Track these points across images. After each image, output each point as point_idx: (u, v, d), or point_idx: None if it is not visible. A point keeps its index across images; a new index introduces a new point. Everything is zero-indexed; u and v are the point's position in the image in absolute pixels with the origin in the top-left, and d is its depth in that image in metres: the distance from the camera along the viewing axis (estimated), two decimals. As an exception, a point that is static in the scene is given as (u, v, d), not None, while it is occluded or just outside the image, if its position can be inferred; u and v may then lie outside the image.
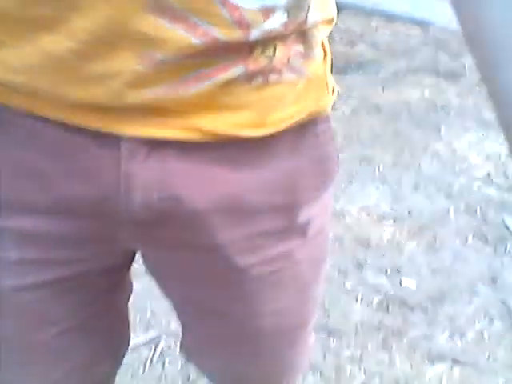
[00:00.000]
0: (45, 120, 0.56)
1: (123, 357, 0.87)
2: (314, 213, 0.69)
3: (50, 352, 0.73)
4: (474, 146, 2.94)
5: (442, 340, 1.76)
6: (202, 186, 0.60)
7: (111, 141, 0.56)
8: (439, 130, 3.07)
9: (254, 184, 0.62)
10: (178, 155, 0.58)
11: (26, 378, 0.75)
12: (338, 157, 0.72)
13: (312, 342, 0.86)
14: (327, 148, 0.69)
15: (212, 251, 0.64)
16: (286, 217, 0.66)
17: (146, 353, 1.68)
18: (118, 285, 0.78)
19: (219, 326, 0.74)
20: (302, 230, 0.68)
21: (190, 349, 0.84)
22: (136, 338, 1.73)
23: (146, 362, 1.65)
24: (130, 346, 1.65)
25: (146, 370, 1.62)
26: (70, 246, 0.64)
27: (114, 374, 0.93)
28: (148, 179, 0.58)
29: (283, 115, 0.61)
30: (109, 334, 0.80)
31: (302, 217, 0.67)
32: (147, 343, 1.71)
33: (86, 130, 0.56)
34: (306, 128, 0.65)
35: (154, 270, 0.74)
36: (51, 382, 0.76)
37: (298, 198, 0.66)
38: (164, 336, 1.73)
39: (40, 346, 0.71)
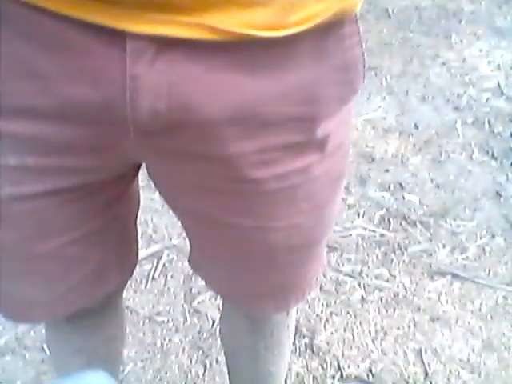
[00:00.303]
0: (43, 10, 0.51)
1: (132, 270, 0.86)
2: (333, 126, 0.64)
3: (55, 263, 0.72)
4: (485, 55, 2.83)
5: (442, 255, 1.77)
6: (214, 93, 0.55)
7: (116, 39, 0.51)
8: (450, 38, 2.95)
9: (271, 92, 0.57)
10: (188, 57, 0.53)
11: (31, 290, 0.75)
12: (364, 65, 0.65)
13: (324, 260, 0.84)
14: (353, 54, 0.62)
15: (223, 163, 0.60)
16: (303, 130, 0.61)
17: (148, 267, 1.69)
18: (123, 196, 0.76)
19: (228, 239, 0.71)
20: (320, 145, 0.64)
21: (198, 262, 0.83)
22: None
23: (148, 276, 1.67)
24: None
25: (149, 285, 1.64)
26: (71, 154, 0.61)
27: (122, 288, 0.94)
28: (156, 84, 0.53)
29: (304, 14, 0.54)
30: (116, 245, 0.79)
31: (321, 130, 0.62)
32: (149, 257, 1.72)
33: (88, 25, 0.51)
34: (330, 30, 0.58)
35: (161, 182, 0.71)
36: (57, 295, 0.76)
37: (317, 109, 0.61)
38: (166, 250, 1.74)
39: (43, 256, 0.70)
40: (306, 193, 0.67)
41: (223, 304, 1.01)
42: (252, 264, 0.74)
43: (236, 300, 0.84)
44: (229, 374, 1.11)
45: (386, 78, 2.72)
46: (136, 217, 0.84)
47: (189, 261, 0.86)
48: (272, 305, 0.81)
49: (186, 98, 0.55)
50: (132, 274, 0.87)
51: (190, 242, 0.82)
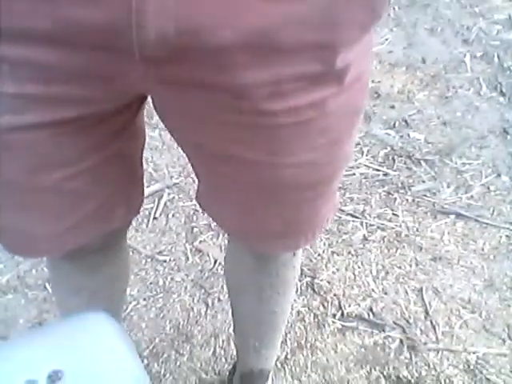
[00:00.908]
0: None
1: (139, 208, 0.85)
2: (353, 57, 0.60)
3: (59, 197, 0.70)
4: (499, -15, 2.72)
5: (446, 194, 1.74)
6: (227, 15, 0.51)
7: None
8: (462, -34, 2.82)
9: (289, 16, 0.52)
10: None
11: (36, 224, 0.73)
12: None
13: (337, 202, 0.82)
14: None
15: (235, 93, 0.57)
16: (321, 59, 0.57)
17: (149, 206, 1.68)
18: (127, 130, 0.73)
19: (237, 173, 0.68)
20: (338, 77, 0.60)
21: (207, 199, 0.81)
22: (139, 191, 1.73)
23: (149, 215, 1.65)
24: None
25: (150, 224, 1.63)
26: (73, 83, 0.57)
27: (126, 228, 0.93)
28: (163, 4, 0.49)
29: None
30: (123, 181, 0.78)
31: (340, 60, 0.58)
32: (150, 196, 1.71)
33: None
34: None
35: (168, 116, 0.68)
36: (63, 229, 0.74)
37: (337, 37, 0.56)
38: (167, 189, 1.72)
39: (47, 189, 0.68)
40: (321, 128, 0.63)
41: (229, 242, 1.00)
42: (262, 201, 0.71)
43: (245, 238, 0.82)
44: (232, 312, 1.11)
45: (393, 9, 2.62)
46: (142, 154, 0.82)
47: (196, 198, 0.83)
48: (281, 244, 0.79)
49: (196, 19, 0.50)
50: (138, 212, 0.85)
51: (199, 179, 0.79)
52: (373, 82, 2.18)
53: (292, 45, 0.54)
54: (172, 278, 1.49)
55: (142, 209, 1.59)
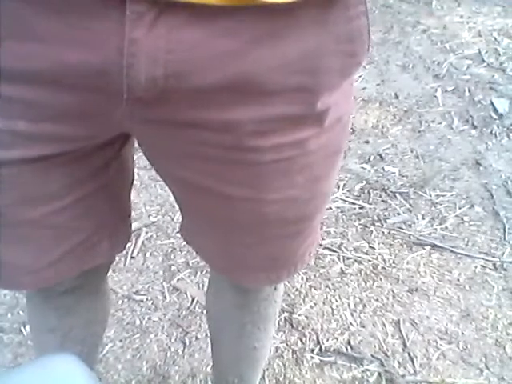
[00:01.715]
0: None
1: (124, 245, 0.85)
2: (333, 100, 0.62)
3: (43, 231, 0.72)
4: (466, 22, 2.80)
5: (421, 226, 1.77)
6: (213, 60, 0.54)
7: (116, 1, 0.50)
8: (430, 4, 2.91)
9: (272, 61, 0.55)
10: (188, 22, 0.52)
11: (20, 257, 0.74)
12: (370, 37, 0.63)
13: (319, 236, 0.84)
14: (358, 24, 0.61)
15: (219, 129, 0.59)
16: (303, 102, 0.60)
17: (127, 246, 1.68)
18: (111, 165, 0.74)
19: (222, 210, 0.70)
20: (319, 119, 0.62)
21: (190, 232, 0.82)
22: (116, 230, 1.73)
23: (126, 254, 1.65)
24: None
25: (127, 263, 1.63)
26: (62, 121, 0.60)
27: (109, 264, 0.93)
28: (154, 49, 0.52)
29: None
30: (107, 216, 0.78)
31: (321, 104, 0.61)
32: (127, 236, 1.71)
33: None
34: None
35: (152, 152, 0.69)
36: (46, 263, 0.75)
37: (318, 81, 0.59)
38: (145, 228, 1.72)
39: (31, 223, 0.70)
40: (302, 166, 0.66)
41: (210, 278, 1.00)
42: (245, 236, 0.73)
43: (227, 271, 0.82)
44: (212, 349, 1.11)
45: (366, 47, 2.69)
46: (129, 191, 0.84)
47: (180, 231, 0.85)
48: (263, 277, 0.80)
49: (184, 64, 0.53)
50: (124, 248, 0.85)
51: (182, 213, 0.81)
52: (347, 117, 2.22)
53: (274, 87, 0.57)
54: (149, 318, 1.48)
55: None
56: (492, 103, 2.28)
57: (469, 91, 2.37)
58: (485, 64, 2.52)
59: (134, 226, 1.73)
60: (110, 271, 1.59)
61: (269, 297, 0.93)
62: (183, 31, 0.52)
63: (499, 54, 2.59)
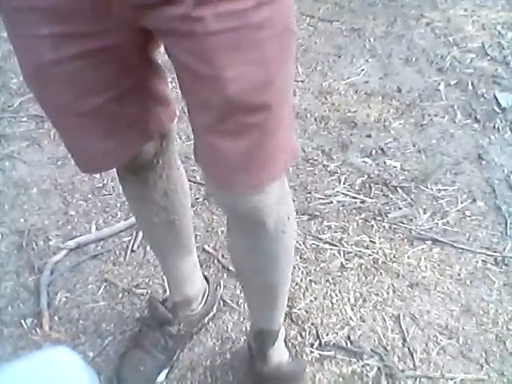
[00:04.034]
0: None
1: (172, 120, 1.04)
2: None
3: (102, 118, 0.87)
4: (470, 15, 2.78)
5: (423, 220, 1.76)
6: None
7: None
8: (434, -3, 2.89)
9: None
10: None
11: (92, 144, 0.91)
12: None
13: (294, 146, 0.89)
14: None
15: (170, 3, 0.70)
16: None
17: (126, 239, 1.68)
18: (147, 63, 0.92)
19: (197, 90, 0.77)
20: None
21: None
22: (116, 223, 1.73)
23: (127, 248, 1.65)
24: (110, 232, 1.64)
25: (127, 257, 1.63)
26: (89, 20, 0.75)
27: (169, 140, 1.08)
28: None
29: None
30: (152, 102, 0.95)
31: None
32: (128, 229, 1.71)
33: None
34: None
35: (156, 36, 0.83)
36: (114, 145, 0.92)
37: None
38: (145, 222, 1.72)
39: (90, 113, 0.86)
40: (250, 41, 0.72)
41: (227, 224, 1.07)
42: (218, 122, 0.78)
43: (213, 174, 0.86)
44: (240, 283, 1.26)
45: (369, 40, 2.68)
46: (165, 82, 0.99)
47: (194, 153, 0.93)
48: (245, 179, 0.83)
49: None
50: (172, 121, 1.04)
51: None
52: (349, 111, 2.22)
53: None
54: (147, 311, 1.48)
55: (119, 242, 1.59)
56: (495, 97, 2.27)
57: (472, 85, 2.35)
58: (488, 58, 2.50)
59: (134, 219, 1.72)
60: (110, 265, 1.60)
61: (276, 239, 0.98)
62: None
63: (503, 48, 2.57)
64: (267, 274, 1.07)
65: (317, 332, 1.44)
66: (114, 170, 1.10)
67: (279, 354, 1.29)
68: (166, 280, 1.56)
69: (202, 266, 1.51)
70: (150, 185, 1.12)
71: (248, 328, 1.44)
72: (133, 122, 0.92)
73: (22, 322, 1.45)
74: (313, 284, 1.57)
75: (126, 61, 0.84)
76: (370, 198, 1.84)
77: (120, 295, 1.53)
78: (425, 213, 1.79)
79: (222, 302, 1.51)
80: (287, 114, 0.84)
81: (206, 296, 1.40)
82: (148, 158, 1.05)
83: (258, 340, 1.26)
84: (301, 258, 1.63)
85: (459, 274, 1.60)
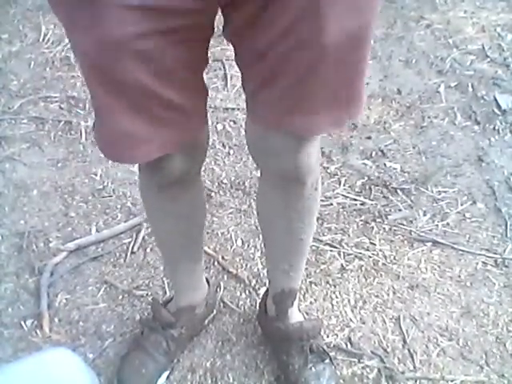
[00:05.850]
0: None
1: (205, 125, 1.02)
2: None
3: (158, 100, 0.83)
4: (470, 17, 2.78)
5: (423, 222, 1.76)
6: None
7: None
8: None
9: None
10: None
11: (140, 127, 0.86)
12: None
13: (362, 95, 0.89)
14: None
15: None
16: None
17: (127, 241, 1.68)
18: (205, 58, 0.90)
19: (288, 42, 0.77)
20: None
21: (258, 100, 0.89)
22: (117, 225, 1.73)
23: (127, 250, 1.65)
24: (110, 234, 1.64)
25: (128, 259, 1.63)
26: None
27: (200, 163, 1.11)
28: None
29: None
30: (202, 96, 0.95)
31: None
32: (128, 231, 1.71)
33: None
34: None
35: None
36: (157, 131, 0.87)
37: None
38: (145, 223, 1.72)
39: (155, 93, 0.82)
40: None
41: (260, 182, 1.12)
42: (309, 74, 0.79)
43: (289, 120, 0.86)
44: (265, 244, 1.27)
45: (369, 42, 2.67)
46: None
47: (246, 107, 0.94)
48: (327, 118, 0.85)
49: None
50: (203, 128, 1.02)
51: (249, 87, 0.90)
52: (349, 113, 2.21)
53: None
54: (149, 313, 1.48)
55: (119, 243, 1.59)
56: (495, 99, 2.27)
57: (472, 87, 2.35)
58: (488, 59, 2.50)
59: (135, 221, 1.73)
60: (110, 266, 1.60)
61: (311, 195, 1.06)
62: None
63: (503, 50, 2.57)
64: (300, 230, 1.12)
65: (317, 334, 1.44)
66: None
67: (298, 314, 1.35)
68: (166, 282, 1.56)
69: (202, 267, 1.51)
70: (178, 198, 1.11)
71: (248, 328, 1.45)
72: (183, 110, 0.89)
73: (22, 323, 1.45)
74: (313, 286, 1.57)
75: (198, 47, 0.85)
76: (370, 199, 1.84)
77: (120, 297, 1.53)
78: (425, 214, 1.79)
79: (222, 304, 1.51)
80: (366, 68, 0.86)
81: (207, 298, 1.40)
82: (180, 172, 1.02)
83: (279, 301, 1.29)
84: (301, 259, 1.63)
85: (459, 276, 1.60)
